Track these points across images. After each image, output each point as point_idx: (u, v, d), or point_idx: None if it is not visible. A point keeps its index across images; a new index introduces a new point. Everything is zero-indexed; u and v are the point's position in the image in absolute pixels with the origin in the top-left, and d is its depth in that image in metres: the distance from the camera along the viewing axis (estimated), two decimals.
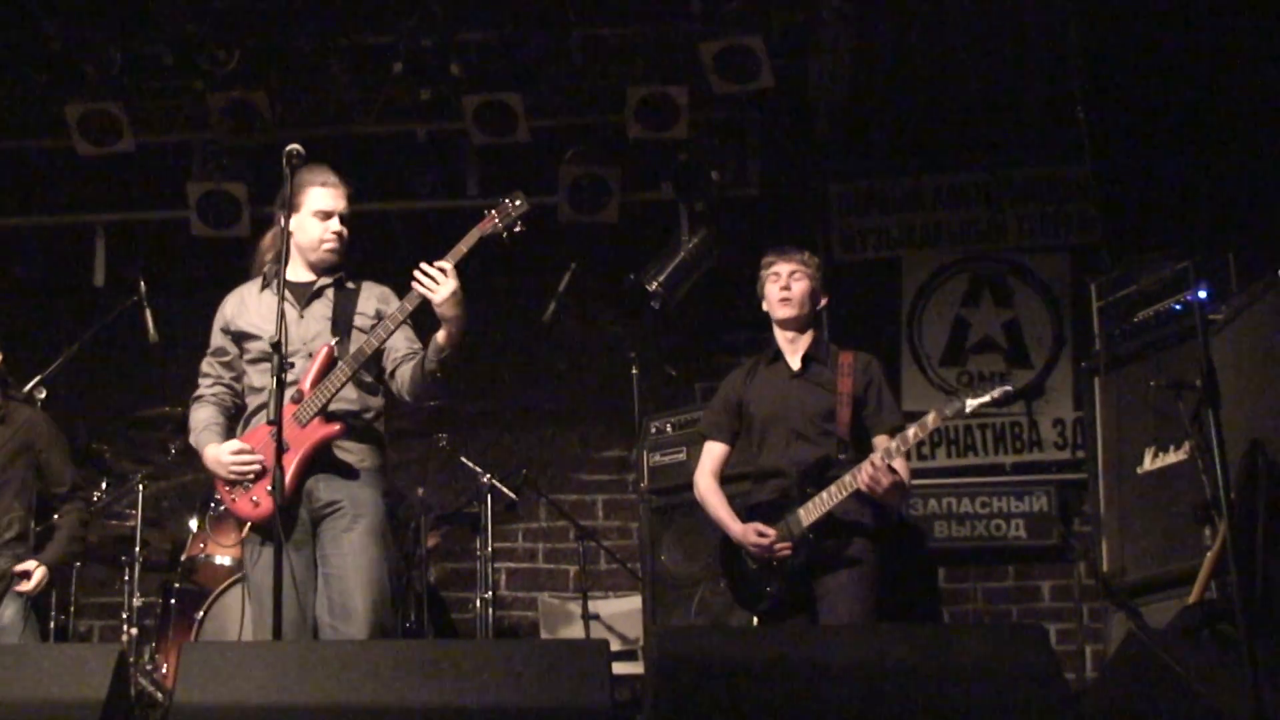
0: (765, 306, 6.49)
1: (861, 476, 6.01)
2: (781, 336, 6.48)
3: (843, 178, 9.87)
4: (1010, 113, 9.38)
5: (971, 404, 6.16)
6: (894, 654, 4.19)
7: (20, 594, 7.02)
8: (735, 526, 6.32)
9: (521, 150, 9.27)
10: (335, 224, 6.03)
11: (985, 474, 9.40)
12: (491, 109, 8.98)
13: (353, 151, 9.27)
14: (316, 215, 6.02)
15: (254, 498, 5.76)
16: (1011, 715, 3.96)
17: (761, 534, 6.20)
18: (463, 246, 5.84)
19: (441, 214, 9.64)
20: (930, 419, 6.11)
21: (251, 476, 5.78)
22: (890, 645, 4.26)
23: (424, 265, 5.76)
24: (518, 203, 5.87)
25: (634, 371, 8.49)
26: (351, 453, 5.89)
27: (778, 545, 6.17)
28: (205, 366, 6.16)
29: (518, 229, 5.88)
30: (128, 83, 9.15)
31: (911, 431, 6.13)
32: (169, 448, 8.27)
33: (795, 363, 6.43)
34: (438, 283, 5.72)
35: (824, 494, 6.12)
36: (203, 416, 6.07)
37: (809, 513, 6.14)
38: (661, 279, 9.17)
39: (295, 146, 5.77)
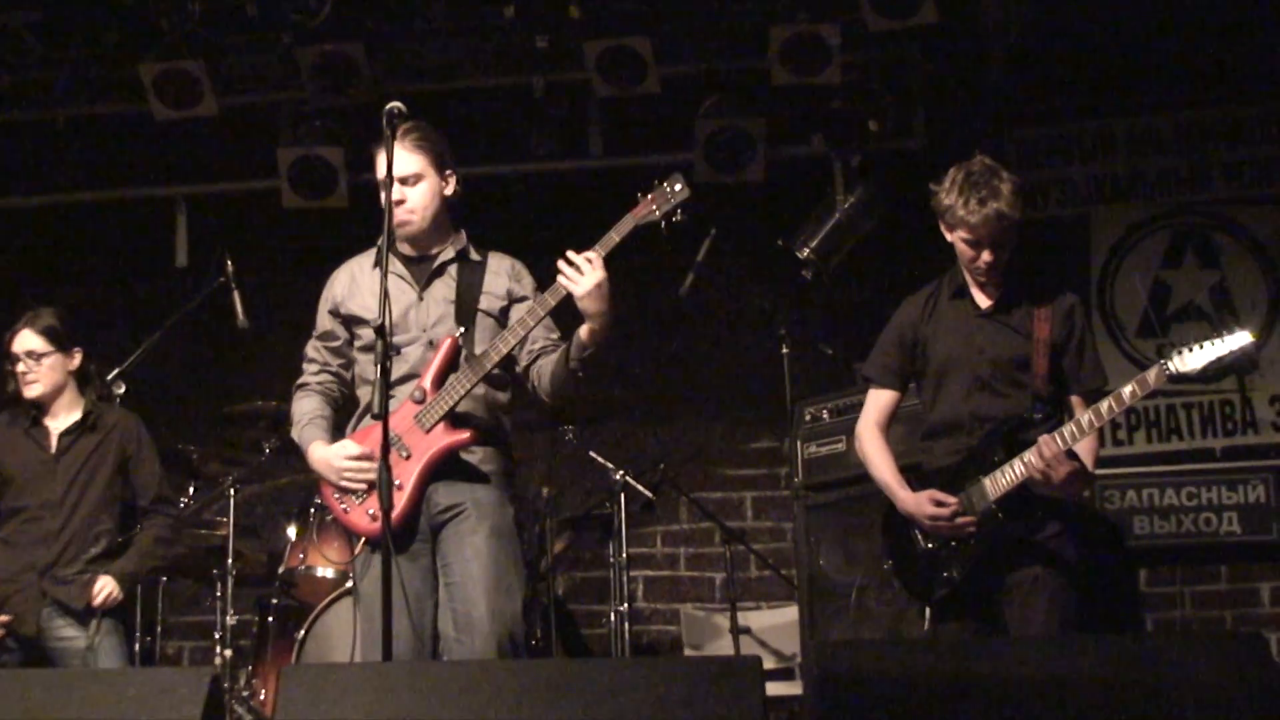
0: (949, 240, 6.19)
1: (1034, 462, 5.79)
2: (970, 276, 6.23)
3: (1021, 124, 9.82)
4: (1213, 44, 9.23)
5: (1204, 359, 5.78)
6: (1089, 669, 4.15)
7: (96, 609, 7.19)
8: (905, 495, 6.11)
9: (651, 102, 9.25)
10: (396, 192, 5.93)
11: (1192, 461, 9.28)
12: (617, 56, 8.98)
13: (461, 108, 9.35)
14: (381, 185, 5.87)
15: (370, 510, 5.78)
16: None
17: (940, 503, 5.98)
18: (615, 235, 5.77)
19: (562, 176, 9.71)
20: (1152, 376, 5.75)
21: (367, 486, 5.80)
22: (1085, 658, 4.22)
23: (570, 254, 5.71)
24: (677, 187, 5.80)
25: (785, 351, 8.50)
26: (474, 453, 5.94)
27: (960, 519, 5.96)
28: (310, 351, 6.23)
29: (677, 218, 5.81)
30: (208, 39, 9.23)
31: (1129, 390, 5.74)
32: (263, 446, 8.38)
33: (985, 300, 6.20)
34: (582, 273, 5.67)
35: (1016, 463, 5.87)
36: (307, 408, 6.13)
37: (996, 484, 5.90)
38: (814, 245, 9.16)
39: (396, 104, 5.73)
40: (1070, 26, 9.22)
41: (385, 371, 5.47)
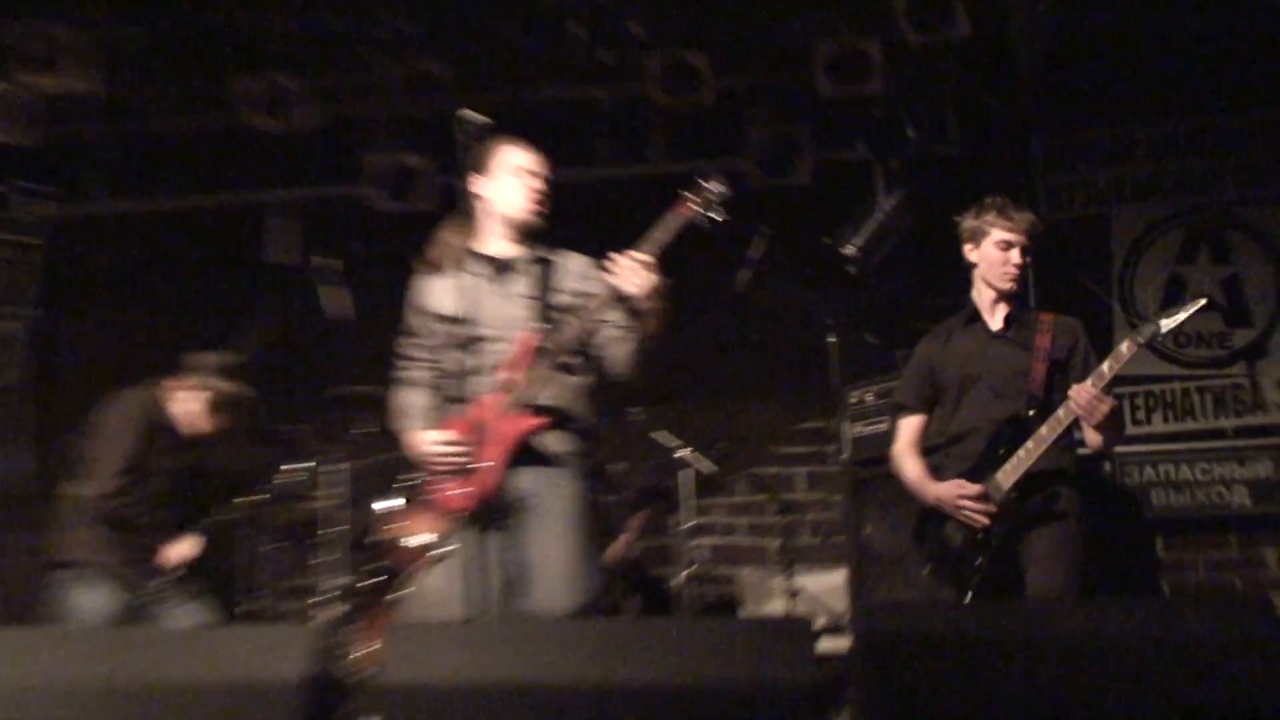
0: (976, 260, 6.45)
1: (1078, 396, 5.98)
2: (985, 296, 6.48)
3: (1047, 130, 9.82)
4: (1225, 53, 9.20)
5: (1167, 324, 6.04)
6: (1111, 629, 4.06)
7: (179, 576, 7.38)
8: (934, 486, 6.34)
9: (707, 112, 9.25)
10: (535, 180, 6.01)
11: (1205, 439, 9.31)
12: (675, 69, 9.01)
13: (531, 118, 9.34)
14: (513, 173, 5.99)
15: (460, 489, 5.80)
16: (1238, 693, 3.92)
17: (964, 488, 6.21)
18: (661, 236, 5.66)
19: (624, 182, 9.68)
20: (1124, 348, 6.02)
21: (457, 467, 5.81)
22: (1107, 620, 4.12)
23: (621, 255, 5.64)
24: (715, 186, 5.71)
25: (831, 340, 8.50)
26: (552, 436, 5.89)
27: (982, 507, 6.16)
28: (403, 348, 6.20)
29: (718, 215, 5.69)
30: (302, 55, 9.29)
31: (1106, 365, 6.03)
32: (359, 427, 8.42)
33: (996, 323, 6.45)
34: (636, 276, 5.61)
35: (1021, 452, 6.13)
36: (406, 401, 6.15)
37: (1008, 475, 6.15)
38: (858, 242, 9.19)
39: (467, 111, 5.73)
40: (1092, 39, 9.20)
41: (476, 375, 5.65)
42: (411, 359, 6.20)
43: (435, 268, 6.12)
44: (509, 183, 6.02)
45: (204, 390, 7.64)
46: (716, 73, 9.09)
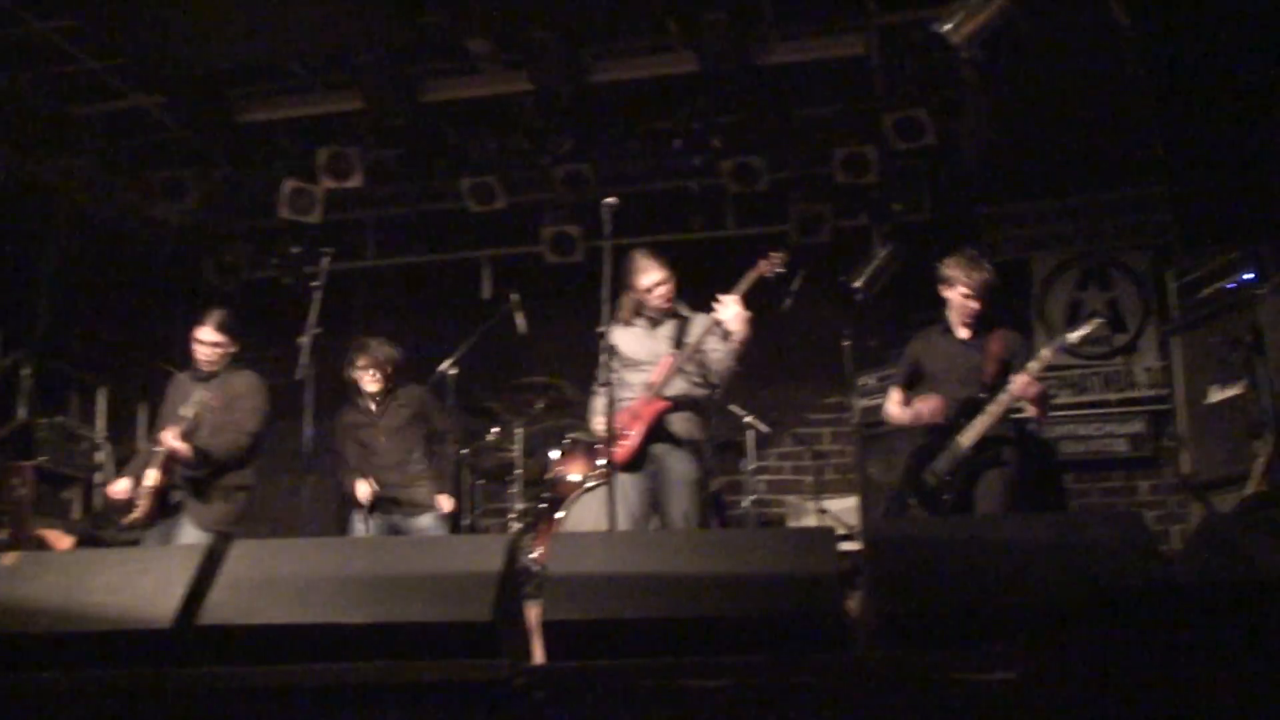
0: (947, 297, 6.33)
1: (1017, 383, 5.95)
2: (954, 318, 6.36)
3: (987, 202, 9.69)
4: (1105, 152, 9.03)
5: (1072, 337, 6.08)
6: (1035, 535, 4.12)
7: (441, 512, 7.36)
8: (913, 406, 6.28)
9: (763, 196, 9.30)
10: (660, 291, 6.18)
11: (1097, 407, 9.12)
12: (741, 168, 9.01)
13: (647, 203, 9.40)
14: (647, 287, 6.18)
15: (612, 448, 5.95)
16: (1118, 574, 3.88)
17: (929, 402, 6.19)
18: (744, 285, 6.04)
19: (708, 243, 9.71)
20: (1045, 353, 6.01)
21: (615, 438, 5.95)
22: (1032, 529, 4.17)
23: (721, 296, 5.97)
24: (780, 254, 6.15)
25: (846, 344, 8.44)
26: (678, 424, 6.08)
27: (936, 410, 6.15)
28: (598, 370, 6.21)
29: (780, 270, 6.13)
30: (498, 161, 9.35)
31: (1033, 365, 5.99)
32: (538, 403, 8.45)
33: (961, 333, 6.35)
34: (729, 309, 5.93)
35: (977, 421, 6.04)
36: (595, 402, 6.25)
37: (968, 437, 6.06)
38: (862, 280, 9.11)
39: (610, 200, 5.93)
40: (1016, 144, 9.06)
41: (615, 402, 5.86)
42: (601, 378, 6.22)
43: (619, 320, 6.27)
44: (645, 294, 6.21)
45: (364, 359, 7.51)
46: (769, 170, 9.08)
